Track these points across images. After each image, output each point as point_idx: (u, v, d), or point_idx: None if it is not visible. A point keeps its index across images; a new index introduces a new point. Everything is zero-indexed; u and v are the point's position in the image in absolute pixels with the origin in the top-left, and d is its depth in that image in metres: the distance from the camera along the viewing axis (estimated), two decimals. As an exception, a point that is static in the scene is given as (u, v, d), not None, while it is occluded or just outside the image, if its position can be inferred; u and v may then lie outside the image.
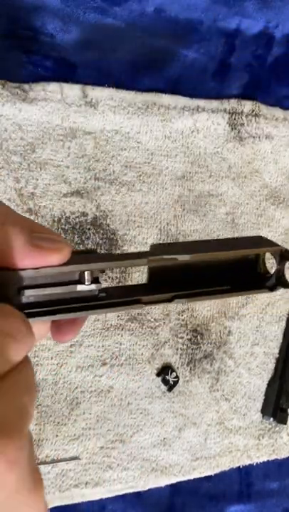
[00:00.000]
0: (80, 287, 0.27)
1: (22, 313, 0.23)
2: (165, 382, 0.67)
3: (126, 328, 0.66)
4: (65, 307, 0.27)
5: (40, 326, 0.27)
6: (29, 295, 0.25)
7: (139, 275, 0.66)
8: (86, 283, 0.27)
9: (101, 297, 0.28)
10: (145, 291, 0.30)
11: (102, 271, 0.28)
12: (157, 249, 0.30)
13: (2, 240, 0.23)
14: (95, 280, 0.27)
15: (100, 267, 0.27)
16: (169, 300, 0.30)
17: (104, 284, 0.29)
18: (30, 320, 0.25)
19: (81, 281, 0.27)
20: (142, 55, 0.66)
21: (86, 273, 0.27)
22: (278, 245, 0.32)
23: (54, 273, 0.26)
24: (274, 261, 0.33)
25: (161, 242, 0.68)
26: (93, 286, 0.27)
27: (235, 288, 0.32)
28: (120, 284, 0.64)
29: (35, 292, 0.25)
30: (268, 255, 0.34)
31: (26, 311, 0.25)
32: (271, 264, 0.34)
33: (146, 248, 0.66)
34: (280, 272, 0.32)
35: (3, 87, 0.59)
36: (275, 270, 0.33)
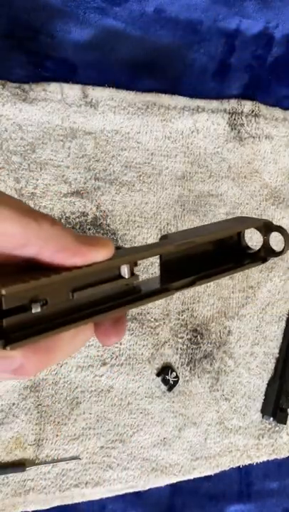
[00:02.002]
0: (122, 281, 0.27)
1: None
2: (165, 382, 0.67)
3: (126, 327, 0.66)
4: (112, 304, 0.27)
5: (86, 330, 0.27)
6: (80, 297, 0.26)
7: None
8: (126, 276, 0.27)
9: (139, 289, 0.29)
10: (166, 281, 0.31)
11: (136, 264, 0.28)
12: (169, 237, 0.31)
13: (55, 238, 0.24)
14: (132, 273, 0.28)
15: (139, 257, 0.28)
16: (192, 283, 0.31)
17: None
18: (86, 321, 0.25)
19: (121, 276, 0.28)
20: (142, 55, 0.66)
21: (126, 267, 0.27)
22: (262, 219, 0.35)
23: (98, 271, 0.26)
24: (259, 234, 0.36)
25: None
26: (133, 279, 0.28)
27: (236, 265, 0.34)
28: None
29: (84, 293, 0.26)
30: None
31: (81, 313, 0.26)
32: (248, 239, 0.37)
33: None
34: (267, 243, 0.35)
35: (4, 87, 0.59)
36: (263, 242, 0.35)
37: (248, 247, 0.36)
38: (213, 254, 0.34)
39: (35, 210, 0.24)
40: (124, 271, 0.27)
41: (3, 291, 0.22)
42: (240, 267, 0.34)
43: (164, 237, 0.31)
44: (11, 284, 0.22)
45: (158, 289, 0.30)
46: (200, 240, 0.32)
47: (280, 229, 0.35)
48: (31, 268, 0.24)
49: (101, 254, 0.25)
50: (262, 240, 0.35)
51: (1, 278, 0.23)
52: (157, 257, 0.31)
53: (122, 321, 0.29)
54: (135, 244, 0.66)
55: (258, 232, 0.36)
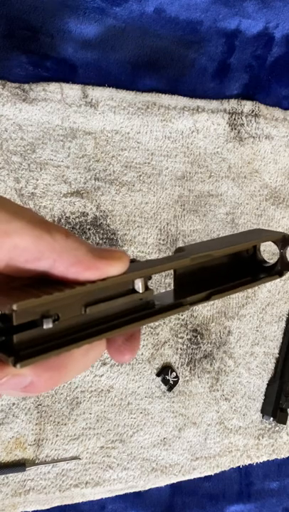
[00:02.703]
0: (136, 296, 0.27)
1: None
2: (165, 382, 0.67)
3: (126, 328, 0.66)
4: (125, 319, 0.26)
5: (98, 346, 0.26)
6: (92, 312, 0.25)
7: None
8: (140, 291, 0.27)
9: (152, 304, 0.28)
10: (180, 295, 0.30)
11: (150, 278, 0.27)
12: (185, 250, 0.30)
13: (69, 251, 0.23)
14: (146, 288, 0.27)
15: (154, 271, 0.27)
16: (207, 298, 0.30)
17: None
18: (99, 337, 0.24)
19: (135, 290, 0.27)
20: (142, 55, 0.66)
21: (140, 281, 0.27)
22: (280, 232, 0.34)
23: (112, 285, 0.25)
24: (275, 248, 0.35)
25: (162, 243, 0.68)
26: (147, 294, 0.27)
27: (252, 279, 0.33)
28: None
29: (97, 308, 0.25)
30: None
31: (93, 328, 0.25)
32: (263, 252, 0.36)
33: (148, 248, 0.67)
34: (284, 256, 0.34)
35: (3, 87, 0.59)
36: (279, 255, 0.34)
37: (264, 261, 0.35)
38: (228, 267, 0.33)
39: (48, 221, 0.23)
40: (138, 285, 0.27)
41: (15, 307, 0.21)
42: (256, 281, 0.33)
43: (179, 250, 0.30)
44: (22, 299, 0.21)
45: (173, 304, 0.29)
46: (217, 253, 0.31)
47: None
48: (43, 282, 0.23)
49: (116, 268, 0.24)
50: (278, 253, 0.34)
51: (13, 292, 0.22)
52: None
53: (136, 337, 0.27)
54: (135, 245, 0.66)
55: (274, 245, 0.35)
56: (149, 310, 0.27)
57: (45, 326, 0.23)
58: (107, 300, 0.25)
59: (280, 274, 0.34)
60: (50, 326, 0.23)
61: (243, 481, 0.74)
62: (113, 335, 0.26)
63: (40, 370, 0.23)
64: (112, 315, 0.26)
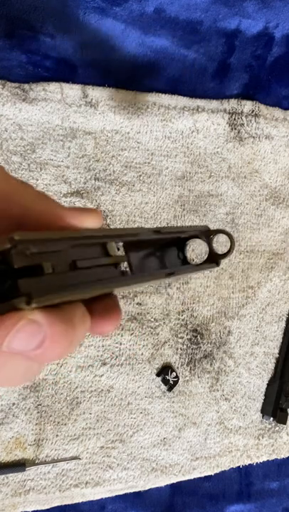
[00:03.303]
0: (111, 259, 0.27)
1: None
2: (165, 382, 0.67)
3: (126, 328, 0.66)
4: (108, 279, 0.27)
5: (88, 315, 0.27)
6: (81, 266, 0.25)
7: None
8: (117, 253, 0.28)
9: (126, 272, 0.29)
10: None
11: (118, 248, 0.29)
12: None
13: (41, 199, 0.24)
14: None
15: (119, 233, 0.29)
16: (168, 275, 0.33)
17: None
18: (91, 286, 0.25)
19: (109, 254, 0.27)
20: (141, 55, 0.66)
21: (113, 245, 0.28)
22: (203, 225, 0.37)
23: (89, 244, 0.26)
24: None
25: None
26: (120, 258, 0.28)
27: (196, 265, 0.36)
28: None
29: (84, 263, 0.25)
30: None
31: (79, 280, 0.25)
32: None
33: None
34: (212, 248, 0.37)
35: (3, 87, 0.59)
36: (208, 249, 0.37)
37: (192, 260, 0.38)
38: (176, 256, 0.37)
39: None
40: (114, 248, 0.28)
41: (16, 236, 0.20)
42: (198, 266, 0.36)
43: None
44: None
45: (151, 272, 0.31)
46: (145, 230, 0.32)
47: (220, 231, 0.36)
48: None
49: (93, 219, 0.25)
50: (207, 246, 0.37)
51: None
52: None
53: (112, 307, 0.28)
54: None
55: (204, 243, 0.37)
56: (125, 276, 0.29)
57: (46, 271, 0.22)
58: (91, 259, 0.26)
59: (217, 264, 0.37)
60: (50, 270, 0.22)
61: (243, 481, 0.74)
62: (104, 291, 0.26)
63: (53, 317, 0.21)
64: (98, 274, 0.27)
